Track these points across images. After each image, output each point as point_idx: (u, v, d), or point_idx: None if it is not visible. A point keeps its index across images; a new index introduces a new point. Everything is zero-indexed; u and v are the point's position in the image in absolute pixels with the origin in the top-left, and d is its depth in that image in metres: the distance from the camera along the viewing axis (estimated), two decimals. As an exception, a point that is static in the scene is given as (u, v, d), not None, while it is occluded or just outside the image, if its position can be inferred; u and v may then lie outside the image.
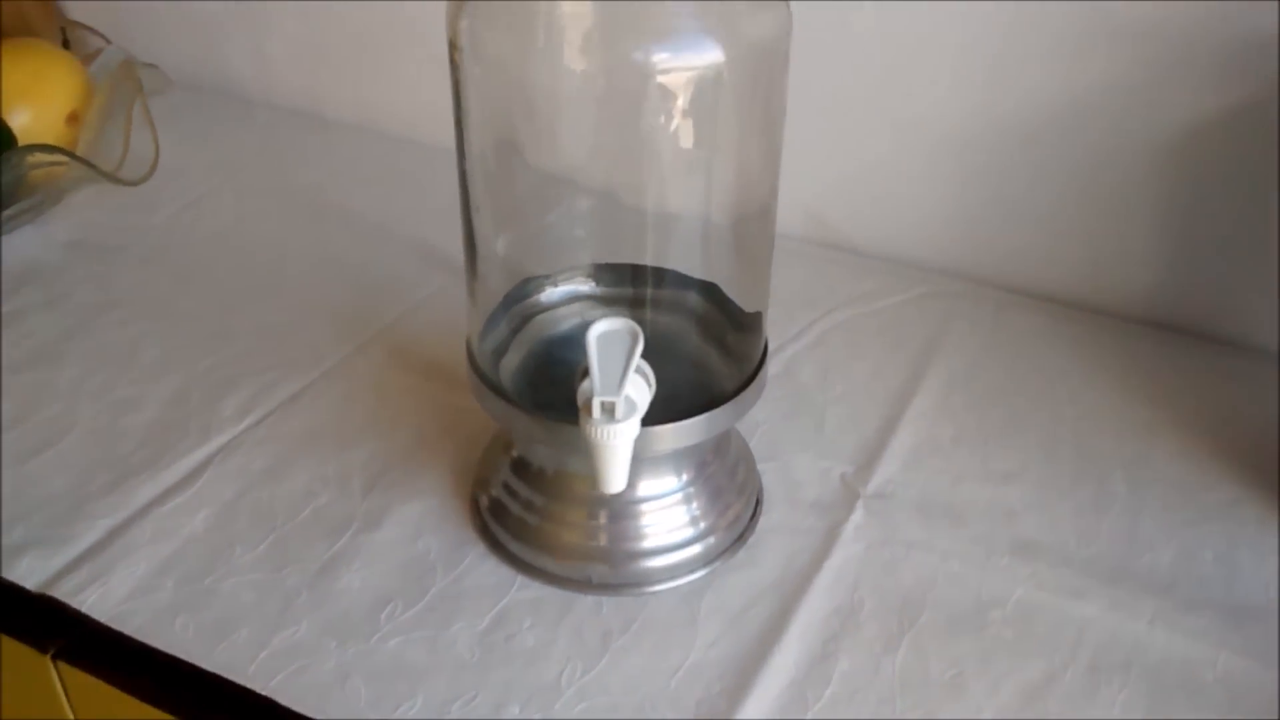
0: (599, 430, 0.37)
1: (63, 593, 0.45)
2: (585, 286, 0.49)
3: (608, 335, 0.38)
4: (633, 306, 0.48)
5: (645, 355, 0.39)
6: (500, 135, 0.42)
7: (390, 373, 0.58)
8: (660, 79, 0.37)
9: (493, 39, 0.39)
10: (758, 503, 0.50)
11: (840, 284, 0.65)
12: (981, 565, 0.47)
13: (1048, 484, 0.52)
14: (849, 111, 0.64)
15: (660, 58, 0.37)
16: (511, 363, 0.47)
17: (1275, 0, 0.53)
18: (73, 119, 0.70)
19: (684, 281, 0.47)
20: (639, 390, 0.39)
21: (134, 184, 0.66)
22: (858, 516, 0.49)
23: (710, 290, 0.46)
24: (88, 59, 0.75)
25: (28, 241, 0.67)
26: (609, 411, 0.37)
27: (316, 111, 0.82)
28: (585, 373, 0.39)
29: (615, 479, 0.39)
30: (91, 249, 0.67)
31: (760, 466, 0.51)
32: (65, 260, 0.66)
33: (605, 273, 0.48)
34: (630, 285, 0.49)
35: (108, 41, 0.75)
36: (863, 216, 0.68)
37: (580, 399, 0.39)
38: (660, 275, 0.47)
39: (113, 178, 0.65)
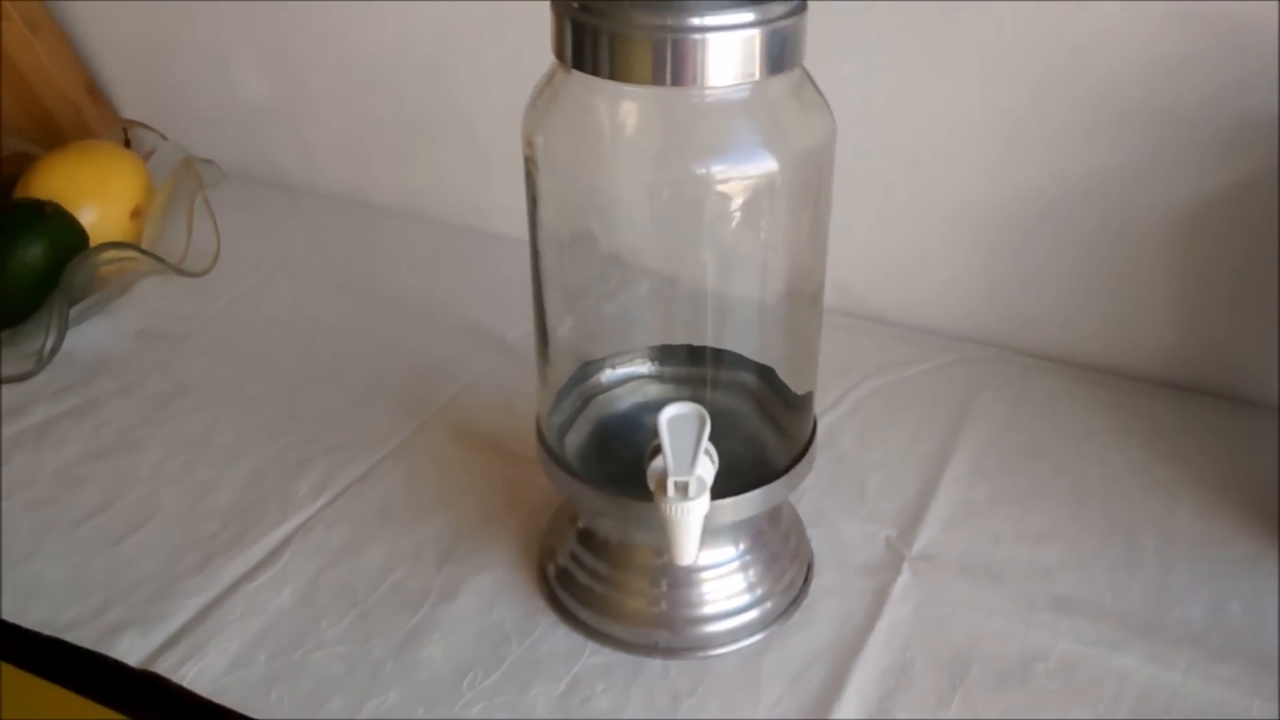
0: (674, 508, 0.41)
1: (163, 669, 0.48)
2: (645, 367, 0.52)
3: (678, 419, 0.41)
4: (691, 386, 0.52)
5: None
6: (571, 233, 0.46)
7: (452, 449, 0.61)
8: (719, 188, 0.41)
9: (565, 154, 0.42)
10: (809, 567, 0.53)
11: (871, 353, 0.69)
12: (1024, 621, 0.50)
13: (1080, 542, 0.55)
14: (876, 190, 0.68)
15: (719, 169, 0.41)
16: (576, 439, 0.51)
17: (1276, 83, 0.57)
18: (136, 214, 0.74)
19: (740, 363, 0.50)
20: (706, 469, 0.42)
21: (199, 275, 0.70)
22: (904, 578, 0.52)
23: (764, 372, 0.50)
24: (147, 156, 0.79)
25: (98, 332, 0.71)
26: (682, 490, 0.41)
27: (362, 199, 0.86)
28: (655, 452, 0.43)
29: (688, 552, 0.42)
30: (158, 337, 0.71)
31: (810, 532, 0.55)
32: (134, 349, 0.70)
33: (664, 354, 0.52)
34: (687, 365, 0.52)
35: (164, 138, 0.79)
36: (890, 288, 0.71)
37: (652, 478, 0.43)
38: (718, 357, 0.50)
39: (179, 269, 0.69)
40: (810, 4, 0.40)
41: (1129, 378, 0.66)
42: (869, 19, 0.63)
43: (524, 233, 0.45)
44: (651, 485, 0.42)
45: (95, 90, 0.89)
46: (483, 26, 0.75)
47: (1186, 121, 0.59)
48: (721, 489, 0.44)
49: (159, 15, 0.86)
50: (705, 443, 0.41)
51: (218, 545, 0.55)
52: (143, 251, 0.68)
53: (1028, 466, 0.59)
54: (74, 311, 0.68)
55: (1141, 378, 0.66)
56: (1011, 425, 0.63)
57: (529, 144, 0.43)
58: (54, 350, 0.67)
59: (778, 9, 0.38)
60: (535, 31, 0.72)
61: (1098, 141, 0.62)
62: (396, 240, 0.82)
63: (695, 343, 0.50)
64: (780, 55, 0.39)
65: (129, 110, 0.92)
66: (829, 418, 0.63)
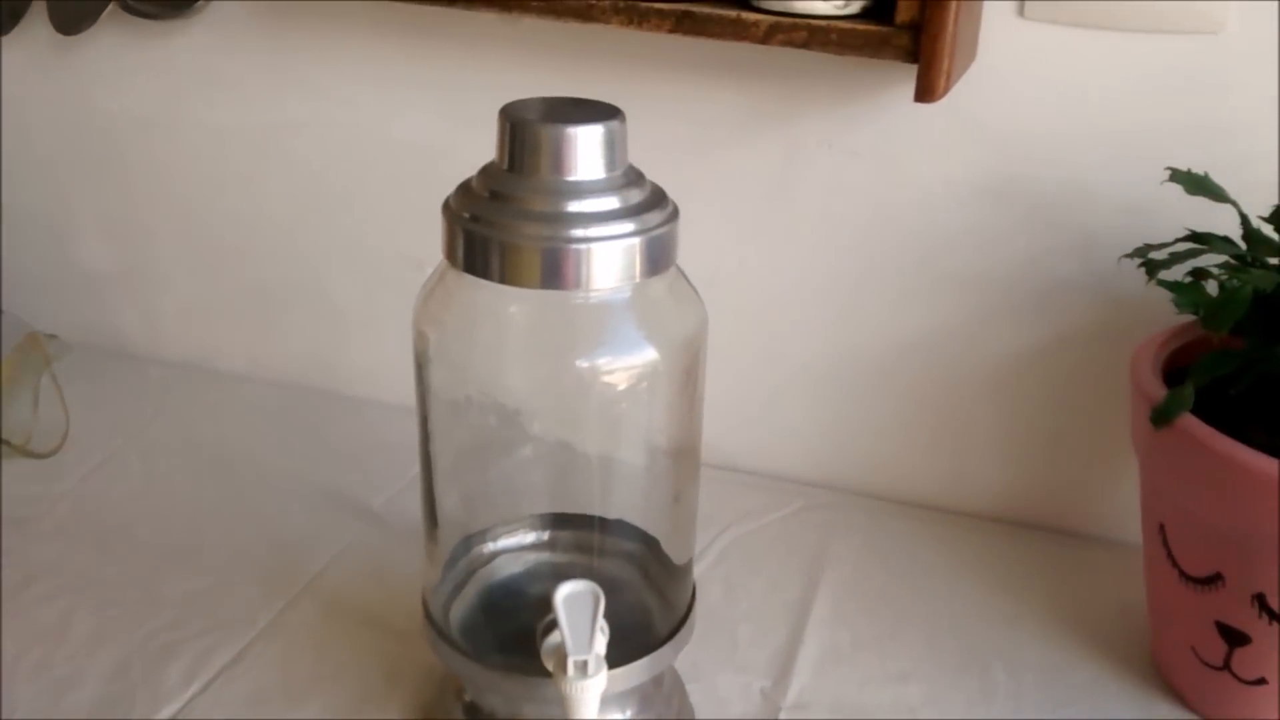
0: (574, 686, 0.42)
1: None
2: (531, 536, 0.54)
3: (573, 596, 0.43)
4: (579, 554, 0.53)
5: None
6: (460, 419, 0.47)
7: (324, 626, 0.61)
8: (605, 378, 0.44)
9: (457, 348, 0.45)
10: (692, 726, 0.54)
11: (729, 501, 0.72)
12: (897, 764, 0.53)
13: (938, 678, 0.58)
14: (727, 347, 0.72)
15: (604, 360, 0.44)
16: (462, 609, 0.51)
17: (1079, 253, 0.64)
18: (-25, 393, 0.72)
19: (626, 531, 0.52)
20: (601, 644, 0.44)
21: (46, 456, 0.68)
22: (782, 729, 0.55)
23: (649, 541, 0.52)
24: (-18, 328, 0.77)
25: (-65, 519, 0.68)
26: (581, 668, 0.42)
27: (208, 365, 0.85)
28: (549, 628, 0.44)
29: (586, 727, 0.43)
30: (3, 522, 0.68)
31: (688, 687, 0.56)
32: (-24, 536, 0.67)
33: (550, 522, 0.54)
34: (573, 532, 0.54)
35: (0, 310, 0.78)
36: (742, 436, 0.75)
37: (548, 656, 0.44)
38: (604, 525, 0.52)
39: (26, 451, 0.67)
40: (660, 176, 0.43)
41: (968, 515, 0.71)
42: (716, 194, 0.68)
43: (383, 394, 0.47)
44: (549, 664, 0.44)
45: (-79, 260, 0.87)
46: (341, 197, 0.77)
47: (1003, 286, 0.66)
48: (611, 658, 0.46)
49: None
50: (599, 619, 0.43)
51: (84, 746, 0.53)
52: (-12, 436, 0.66)
53: (883, 607, 0.63)
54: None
55: (979, 515, 0.71)
56: (864, 568, 0.66)
57: (420, 336, 0.45)
58: (-110, 543, 0.63)
59: (654, 218, 0.42)
60: (394, 202, 0.75)
61: (926, 303, 0.68)
62: (247, 407, 0.81)
63: (580, 511, 0.52)
64: (657, 258, 0.42)
65: (-42, 277, 0.89)
66: (697, 569, 0.65)
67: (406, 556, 0.50)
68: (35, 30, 0.79)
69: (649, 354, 0.44)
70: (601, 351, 0.44)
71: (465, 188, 0.43)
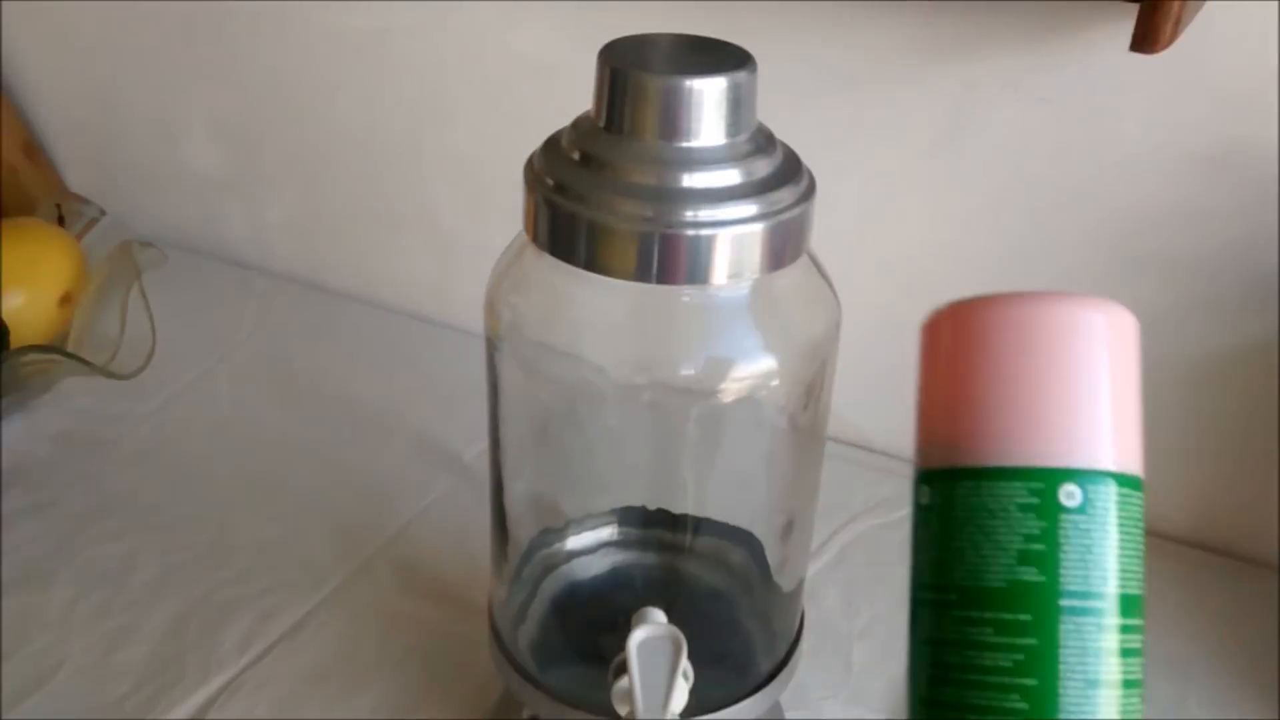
0: (643, 752, 0.35)
1: None
2: (608, 532, 0.47)
3: (649, 643, 0.36)
4: (661, 553, 0.46)
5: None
6: (533, 415, 0.40)
7: (395, 597, 0.55)
8: (709, 393, 0.36)
9: (532, 342, 0.37)
10: (790, 769, 0.47)
11: (858, 489, 0.63)
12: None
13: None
14: (865, 307, 0.63)
15: (710, 373, 0.36)
16: (532, 622, 0.45)
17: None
18: (66, 300, 0.68)
19: (721, 531, 0.45)
20: (681, 697, 0.37)
21: (129, 377, 0.64)
22: (894, 782, 0.47)
23: (748, 541, 0.44)
24: (84, 230, 0.73)
25: (14, 435, 0.65)
26: (653, 732, 0.35)
27: (316, 281, 0.80)
28: (622, 669, 0.37)
29: (656, 794, 0.37)
30: (81, 443, 0.65)
31: (788, 715, 0.49)
32: (54, 456, 0.64)
33: (633, 518, 0.47)
34: (658, 531, 0.47)
35: (103, 213, 0.73)
36: (876, 410, 0.66)
37: (618, 699, 0.37)
38: (696, 525, 0.45)
39: (107, 372, 0.63)
40: (802, 118, 0.34)
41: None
42: (865, 144, 0.59)
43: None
44: (620, 710, 0.37)
45: (35, 151, 0.83)
46: (454, 112, 0.70)
47: (1211, 271, 0.55)
48: (695, 702, 0.39)
49: (108, 74, 0.80)
50: (680, 672, 0.36)
51: (127, 711, 0.49)
52: (67, 355, 0.62)
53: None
54: (-7, 416, 0.62)
55: (1150, 532, 0.61)
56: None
57: (492, 314, 0.37)
58: (-38, 460, 0.61)
59: (784, 197, 0.33)
60: (509, 121, 0.67)
61: (1114, 284, 0.57)
62: (350, 330, 0.76)
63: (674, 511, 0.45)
64: (785, 247, 0.33)
65: (70, 172, 0.85)
66: (810, 568, 0.58)
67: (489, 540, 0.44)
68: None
69: (766, 363, 0.36)
70: (708, 359, 0.36)
71: (553, 145, 0.35)
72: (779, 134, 0.35)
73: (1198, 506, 0.61)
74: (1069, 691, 0.26)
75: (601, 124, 0.33)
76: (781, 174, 0.34)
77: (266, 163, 0.79)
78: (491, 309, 0.37)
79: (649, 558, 0.47)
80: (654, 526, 0.46)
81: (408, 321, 0.76)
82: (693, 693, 0.38)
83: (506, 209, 0.39)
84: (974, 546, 0.27)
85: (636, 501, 0.46)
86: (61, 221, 0.73)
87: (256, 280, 0.81)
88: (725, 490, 0.42)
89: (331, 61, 0.72)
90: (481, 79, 0.68)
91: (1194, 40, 0.50)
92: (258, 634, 0.53)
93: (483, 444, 0.66)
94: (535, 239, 0.34)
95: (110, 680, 0.50)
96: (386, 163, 0.74)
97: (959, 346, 0.28)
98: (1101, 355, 0.28)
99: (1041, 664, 0.26)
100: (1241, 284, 0.55)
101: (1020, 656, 0.26)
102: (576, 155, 0.33)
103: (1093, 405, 0.27)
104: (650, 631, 0.36)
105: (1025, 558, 0.26)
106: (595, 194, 0.32)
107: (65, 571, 0.56)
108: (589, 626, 0.45)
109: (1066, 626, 0.26)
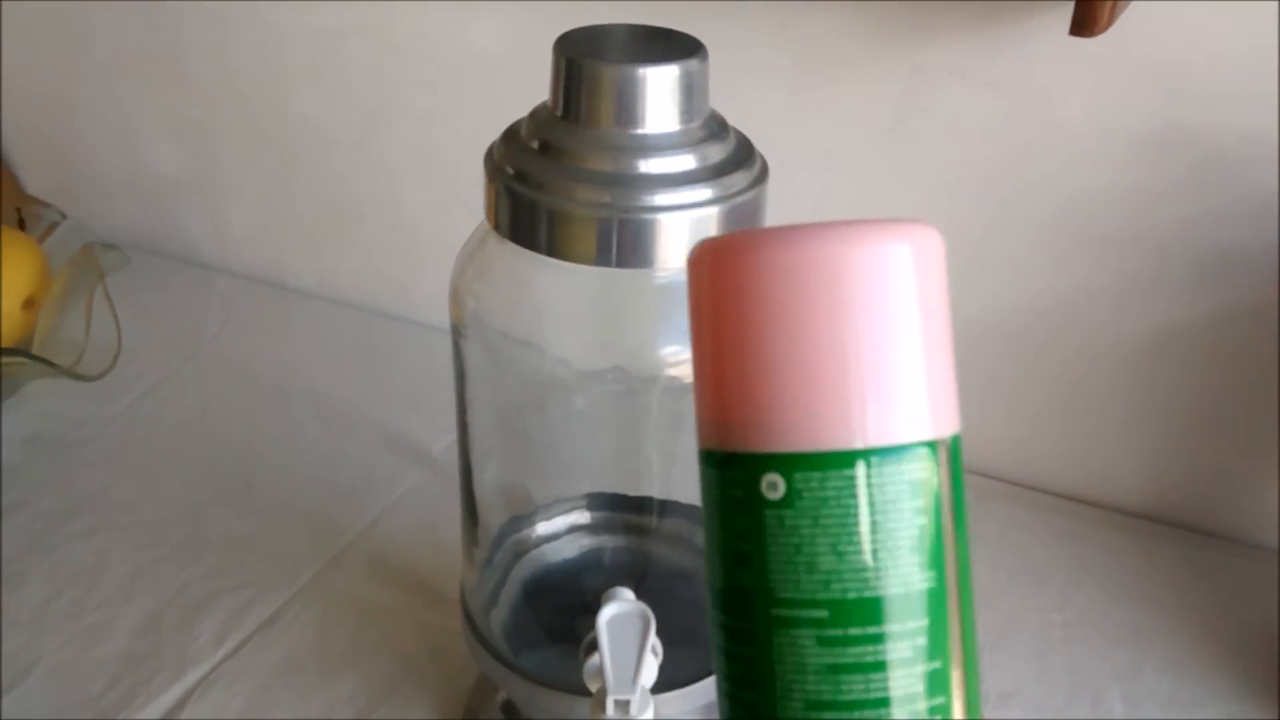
0: (614, 726, 0.36)
1: None
2: (576, 516, 0.48)
3: (618, 619, 0.37)
4: (629, 536, 0.47)
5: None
6: (499, 403, 0.41)
7: (368, 588, 0.56)
8: (671, 371, 0.37)
9: (497, 330, 0.38)
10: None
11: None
12: (989, 806, 0.46)
13: (1044, 704, 0.51)
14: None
15: (670, 351, 0.37)
16: (505, 607, 0.46)
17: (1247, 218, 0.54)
18: (30, 304, 0.68)
19: (687, 512, 0.46)
20: (650, 672, 0.38)
21: (95, 379, 0.64)
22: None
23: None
24: (45, 233, 0.73)
25: (-19, 439, 0.65)
26: (623, 706, 0.36)
27: (278, 280, 0.80)
28: (592, 647, 0.38)
29: (628, 766, 0.38)
30: (49, 445, 0.65)
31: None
32: (23, 459, 0.64)
33: (601, 502, 0.48)
34: (624, 514, 0.48)
35: (63, 216, 0.73)
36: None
37: (590, 677, 0.38)
38: (663, 507, 0.46)
39: (74, 374, 0.63)
40: (754, 104, 0.36)
41: (1093, 505, 0.63)
42: (820, 134, 0.60)
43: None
44: (591, 687, 0.38)
45: (-10, 155, 0.83)
46: (412, 107, 0.71)
47: (1157, 251, 0.57)
48: (665, 678, 0.40)
49: (65, 77, 0.80)
50: (649, 647, 0.37)
51: (103, 708, 0.49)
52: (32, 357, 0.62)
53: (989, 611, 0.56)
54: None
55: (1105, 506, 0.63)
56: (972, 560, 0.59)
57: (456, 303, 0.38)
58: (-71, 465, 0.61)
59: (739, 181, 0.34)
60: (468, 115, 0.67)
61: (1064, 266, 0.59)
62: (315, 328, 0.77)
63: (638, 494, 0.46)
64: (741, 229, 0.34)
65: (29, 176, 0.85)
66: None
67: (460, 532, 0.45)
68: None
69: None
70: (667, 340, 0.37)
71: (512, 135, 0.36)
72: (732, 120, 0.36)
73: (1153, 480, 0.62)
74: (786, 712, 0.22)
75: (559, 113, 0.34)
76: (735, 159, 0.35)
77: (226, 162, 0.79)
78: (456, 297, 0.38)
79: (617, 540, 0.48)
80: (622, 510, 0.47)
81: (371, 318, 0.77)
82: (662, 669, 0.39)
83: (467, 203, 0.40)
84: (707, 543, 0.24)
85: (604, 485, 0.47)
86: (22, 225, 0.73)
87: (219, 280, 0.81)
88: (691, 472, 0.43)
89: (289, 60, 0.73)
90: (439, 73, 0.69)
91: (1132, 25, 0.52)
92: (232, 628, 0.53)
93: (451, 437, 0.66)
94: (497, 227, 0.35)
95: (86, 677, 0.51)
96: (346, 159, 0.75)
97: (698, 297, 0.23)
98: (846, 303, 0.22)
99: (760, 678, 0.22)
100: (1190, 263, 0.57)
101: (744, 669, 0.23)
102: (535, 144, 0.34)
103: (821, 369, 0.22)
104: (619, 608, 0.37)
105: (738, 559, 0.23)
106: (554, 181, 0.33)
107: (38, 571, 0.56)
108: (560, 609, 0.46)
109: (779, 639, 0.22)
